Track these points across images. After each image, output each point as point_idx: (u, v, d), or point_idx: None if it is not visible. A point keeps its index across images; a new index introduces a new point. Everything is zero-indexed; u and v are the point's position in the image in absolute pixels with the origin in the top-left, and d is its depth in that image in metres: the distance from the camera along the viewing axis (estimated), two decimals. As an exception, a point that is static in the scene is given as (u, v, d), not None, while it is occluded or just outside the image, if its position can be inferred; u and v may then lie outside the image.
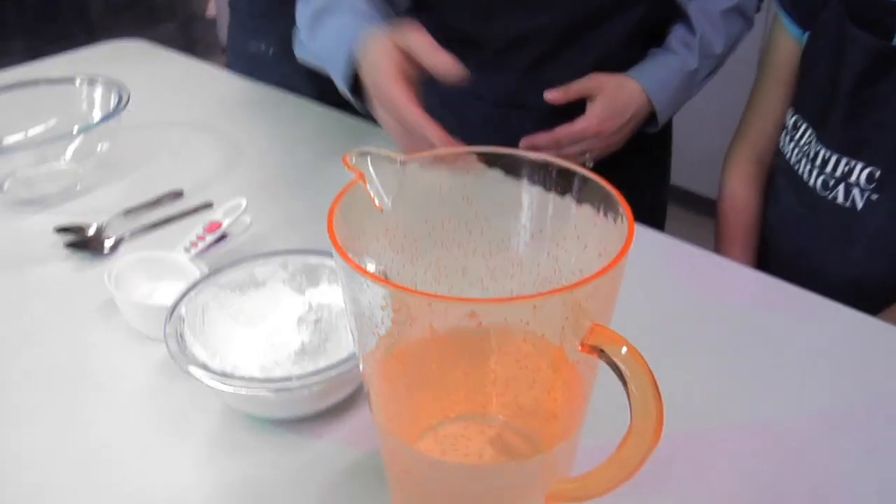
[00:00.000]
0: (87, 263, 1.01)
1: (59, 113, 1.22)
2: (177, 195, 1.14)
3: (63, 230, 1.05)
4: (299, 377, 0.69)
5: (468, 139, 1.36)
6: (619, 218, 0.52)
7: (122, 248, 1.03)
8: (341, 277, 0.50)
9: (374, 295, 0.47)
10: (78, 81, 1.21)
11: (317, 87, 1.47)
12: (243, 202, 0.96)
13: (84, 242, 1.02)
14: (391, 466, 0.61)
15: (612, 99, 1.17)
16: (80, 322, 0.91)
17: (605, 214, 0.54)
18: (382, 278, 0.47)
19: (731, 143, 1.31)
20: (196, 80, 1.57)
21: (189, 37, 4.67)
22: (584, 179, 0.56)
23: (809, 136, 1.12)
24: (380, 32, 0.89)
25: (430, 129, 0.83)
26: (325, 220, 0.51)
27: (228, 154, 1.27)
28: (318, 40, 1.03)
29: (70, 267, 1.00)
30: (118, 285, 0.87)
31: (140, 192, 1.15)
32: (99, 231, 1.05)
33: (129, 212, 1.10)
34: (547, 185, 0.59)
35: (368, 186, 0.58)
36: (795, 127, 1.15)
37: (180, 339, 0.74)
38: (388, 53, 0.86)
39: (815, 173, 1.11)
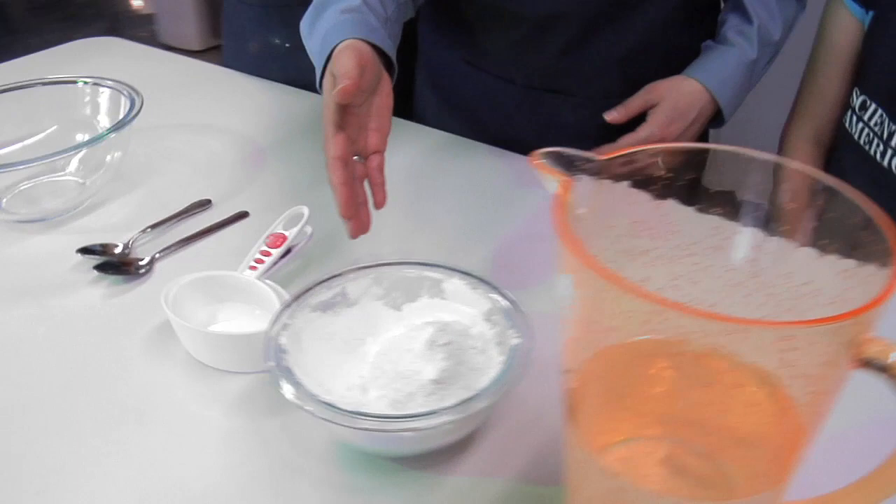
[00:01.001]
0: (120, 287, 0.89)
1: (59, 118, 1.09)
2: (204, 204, 1.02)
3: (86, 251, 0.92)
4: (449, 411, 0.59)
5: (499, 125, 1.28)
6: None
7: (156, 268, 0.91)
8: (577, 284, 0.43)
9: (626, 306, 0.40)
10: (81, 83, 1.07)
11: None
12: (305, 211, 0.85)
13: (115, 264, 0.90)
14: (580, 486, 0.52)
15: (674, 103, 1.10)
16: (130, 356, 0.80)
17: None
18: (646, 291, 0.38)
19: (788, 125, 1.25)
20: (193, 78, 1.44)
21: (122, 35, 4.45)
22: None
23: (881, 116, 1.06)
24: (347, 43, 0.84)
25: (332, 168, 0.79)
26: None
27: (250, 157, 1.16)
28: (314, 37, 0.94)
29: (102, 293, 0.88)
30: (176, 311, 0.76)
31: (158, 204, 1.04)
32: (126, 250, 0.93)
33: (155, 226, 0.97)
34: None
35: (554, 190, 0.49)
36: (864, 107, 1.09)
37: (289, 374, 0.63)
38: (327, 81, 0.84)
39: (889, 154, 1.05)
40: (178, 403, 0.74)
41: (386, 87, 0.86)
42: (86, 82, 1.07)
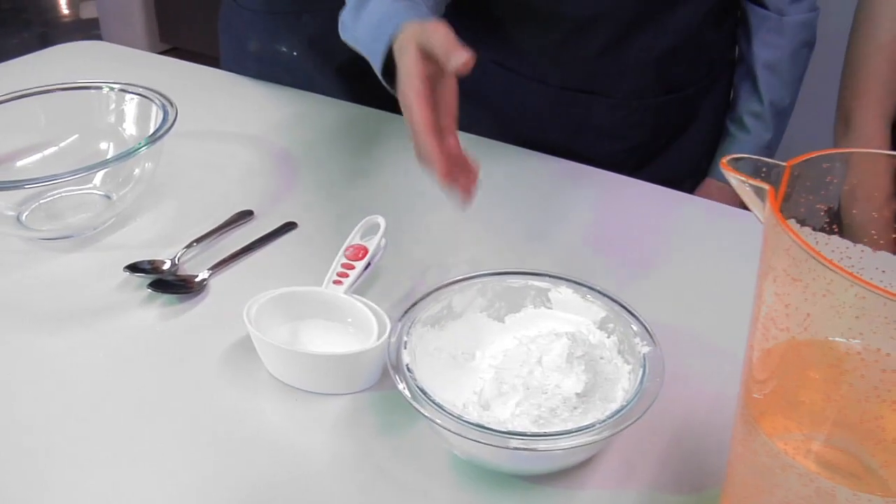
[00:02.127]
0: (176, 307, 0.83)
1: (81, 126, 1.02)
2: (246, 216, 0.97)
3: (134, 269, 0.86)
4: (605, 425, 0.58)
5: (528, 126, 1.25)
6: None
7: (210, 284, 0.86)
8: (780, 280, 0.43)
9: (842, 297, 0.40)
10: (106, 89, 1.01)
11: (349, 90, 1.31)
12: (381, 221, 0.81)
13: (171, 282, 0.84)
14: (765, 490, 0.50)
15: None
16: (208, 380, 0.74)
17: None
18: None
19: (855, 102, 1.22)
20: (197, 83, 1.37)
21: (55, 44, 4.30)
22: None
23: None
24: (412, 25, 0.80)
25: (435, 154, 0.72)
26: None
27: (283, 165, 1.10)
28: (360, 26, 0.91)
29: (157, 313, 0.83)
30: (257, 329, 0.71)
31: (194, 217, 0.98)
32: (174, 266, 0.87)
33: (200, 240, 0.92)
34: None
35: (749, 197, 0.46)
36: None
37: (423, 395, 0.59)
38: (412, 56, 0.76)
39: None
40: (275, 430, 0.69)
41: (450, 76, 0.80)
42: (111, 88, 1.00)
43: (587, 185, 1.05)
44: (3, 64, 1.44)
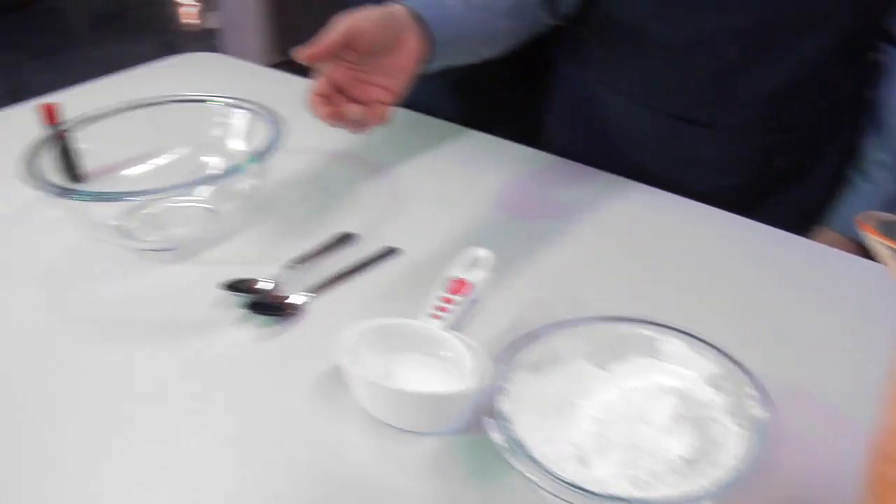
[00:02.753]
0: (271, 329, 0.82)
1: (190, 139, 1.02)
2: (348, 238, 0.95)
3: (232, 288, 0.85)
4: (714, 494, 0.53)
5: (630, 152, 1.20)
6: None
7: (308, 308, 0.84)
8: None
9: None
10: (216, 103, 1.00)
11: (464, 106, 1.28)
12: (486, 254, 0.78)
13: (268, 304, 0.83)
14: None
15: None
16: (295, 408, 0.73)
17: None
18: None
19: None
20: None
21: (183, 50, 4.43)
22: None
23: None
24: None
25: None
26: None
27: (388, 186, 1.09)
28: None
29: (251, 335, 0.81)
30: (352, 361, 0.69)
31: (296, 236, 0.97)
32: (273, 286, 0.85)
33: (301, 261, 0.90)
34: None
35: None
36: None
37: (520, 448, 0.55)
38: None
39: None
40: (361, 465, 0.67)
41: (406, 49, 0.90)
42: (222, 102, 1.00)
43: (695, 223, 1.00)
44: (126, 72, 1.46)
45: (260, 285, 0.86)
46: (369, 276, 0.89)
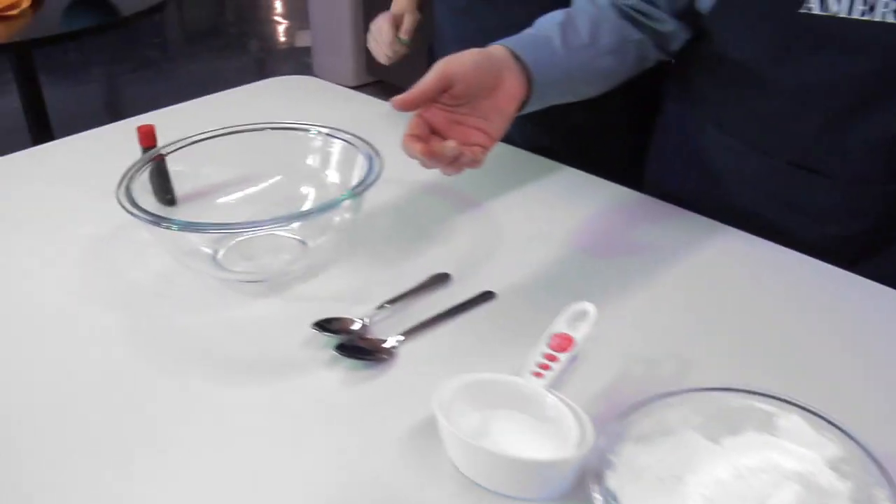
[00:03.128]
0: (361, 374, 0.79)
1: (284, 167, 1.00)
2: (443, 279, 0.92)
3: (322, 327, 0.82)
4: None
5: (738, 196, 1.14)
6: None
7: (400, 352, 0.81)
8: None
9: None
10: (314, 132, 0.98)
11: (558, 139, 1.25)
12: (590, 309, 0.74)
13: (359, 348, 0.80)
14: None
15: None
16: (384, 461, 0.69)
17: None
18: None
19: None
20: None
21: (274, 67, 4.50)
22: None
23: None
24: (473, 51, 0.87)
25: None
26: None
27: (485, 225, 1.05)
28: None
29: (341, 377, 0.79)
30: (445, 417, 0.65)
31: (389, 274, 0.95)
32: (364, 328, 0.83)
33: (393, 302, 0.87)
34: None
35: None
36: None
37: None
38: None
39: None
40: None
41: (505, 91, 0.88)
42: (319, 131, 0.98)
43: (812, 278, 0.94)
44: (220, 94, 1.46)
45: (351, 326, 0.83)
46: (464, 321, 0.86)
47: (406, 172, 0.97)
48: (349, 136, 0.97)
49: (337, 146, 0.98)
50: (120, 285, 0.93)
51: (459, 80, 0.83)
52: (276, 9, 5.80)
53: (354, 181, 0.92)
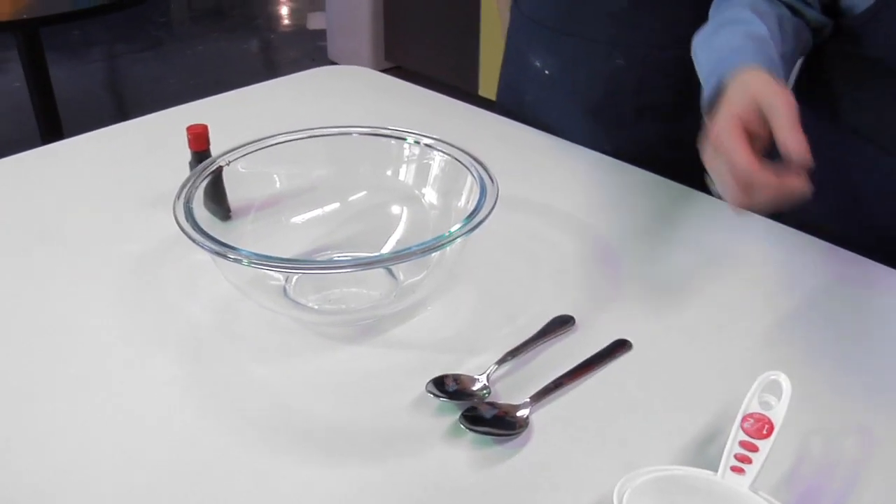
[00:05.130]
0: (490, 450, 0.63)
1: (369, 180, 0.85)
2: (566, 323, 0.76)
3: (440, 389, 0.66)
4: None
5: (885, 212, 0.99)
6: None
7: (532, 421, 0.65)
8: None
9: None
10: (411, 140, 0.82)
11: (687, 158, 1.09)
12: (783, 382, 0.58)
13: (486, 417, 0.64)
14: None
15: None
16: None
17: None
18: None
19: None
20: (479, 128, 1.18)
21: (284, 49, 4.33)
22: None
23: None
24: (756, 71, 0.78)
25: (760, 173, 0.69)
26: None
27: (603, 256, 0.90)
28: (707, 52, 0.88)
29: (466, 456, 0.65)
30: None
31: (500, 316, 0.79)
32: (486, 390, 0.67)
33: (514, 353, 0.71)
34: None
35: None
36: None
37: None
38: (744, 100, 0.75)
39: None
40: None
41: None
42: (417, 141, 0.82)
43: None
44: (268, 83, 1.32)
45: (472, 386, 0.68)
46: (601, 378, 0.71)
47: (512, 188, 0.80)
48: (455, 149, 0.81)
49: (438, 160, 0.82)
50: (173, 320, 0.77)
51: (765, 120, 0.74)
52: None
53: (461, 204, 0.76)
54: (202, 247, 0.68)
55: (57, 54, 2.41)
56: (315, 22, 4.54)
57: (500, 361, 0.71)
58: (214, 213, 0.81)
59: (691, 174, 1.01)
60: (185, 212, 0.72)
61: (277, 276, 0.79)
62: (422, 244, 0.68)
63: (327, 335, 0.76)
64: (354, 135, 0.84)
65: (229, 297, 0.79)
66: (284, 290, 0.79)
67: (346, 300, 0.80)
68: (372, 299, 0.79)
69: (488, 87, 3.09)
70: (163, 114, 1.18)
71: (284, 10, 5.24)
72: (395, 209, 0.84)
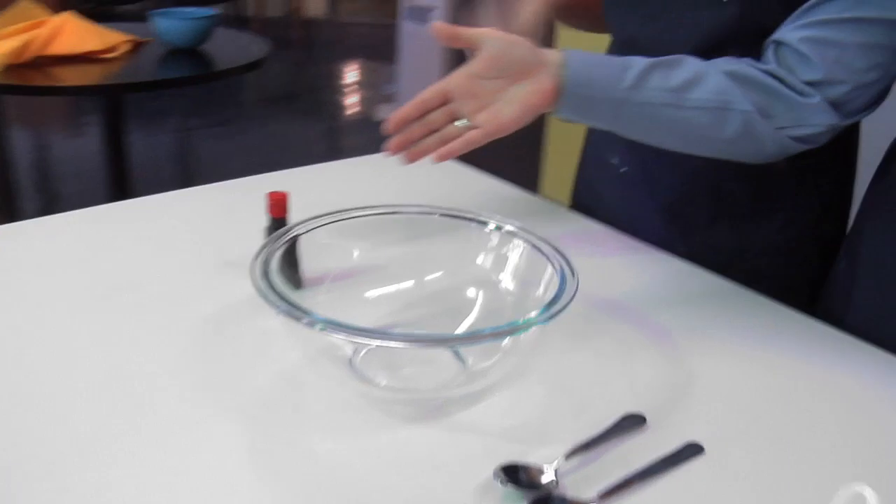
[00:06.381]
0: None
1: (446, 260, 0.84)
2: (636, 422, 0.74)
3: (508, 473, 0.64)
4: None
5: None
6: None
7: (600, 520, 0.63)
8: None
9: None
10: (492, 225, 0.82)
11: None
12: (868, 495, 0.55)
13: None
14: None
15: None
16: None
17: None
18: None
19: None
20: (567, 228, 1.17)
21: (342, 138, 4.41)
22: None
23: None
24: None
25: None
26: None
27: (666, 351, 0.88)
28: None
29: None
30: None
31: (567, 406, 0.78)
32: (554, 481, 0.65)
33: (584, 448, 0.69)
34: None
35: None
36: None
37: None
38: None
39: None
40: None
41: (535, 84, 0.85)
42: (499, 227, 0.82)
43: None
44: (347, 161, 1.34)
45: (540, 478, 0.66)
46: (672, 482, 0.69)
47: (582, 283, 0.80)
48: (537, 238, 0.80)
49: (518, 248, 0.81)
50: (238, 387, 0.77)
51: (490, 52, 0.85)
52: (357, 78, 5.76)
53: (539, 294, 0.75)
54: (276, 308, 0.68)
55: (131, 123, 2.49)
56: (383, 112, 4.63)
57: (569, 455, 0.69)
58: (288, 280, 0.81)
59: (769, 283, 1.00)
60: (262, 273, 0.72)
61: (346, 349, 0.78)
62: (497, 327, 0.68)
63: (392, 413, 0.75)
64: (436, 216, 0.84)
65: (296, 368, 0.78)
66: (351, 362, 0.79)
67: (414, 379, 0.79)
68: (440, 380, 0.78)
69: (551, 192, 3.11)
70: (241, 181, 1.20)
71: (354, 99, 5.35)
72: (471, 292, 0.84)
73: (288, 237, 0.80)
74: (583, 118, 0.90)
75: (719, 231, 1.11)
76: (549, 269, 0.77)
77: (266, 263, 0.76)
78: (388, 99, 4.36)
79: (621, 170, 1.18)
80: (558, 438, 0.72)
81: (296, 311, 0.68)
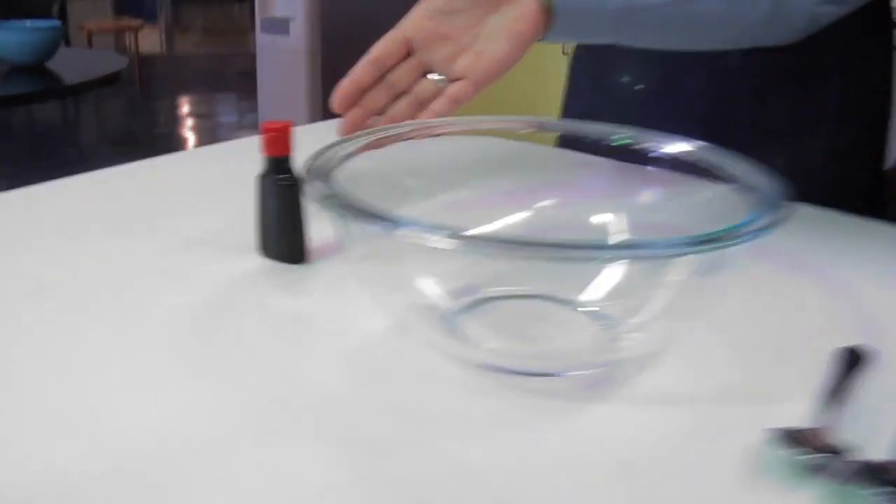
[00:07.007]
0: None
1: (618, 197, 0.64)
2: (856, 358, 0.57)
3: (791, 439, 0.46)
4: None
5: None
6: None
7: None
8: None
9: None
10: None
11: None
12: None
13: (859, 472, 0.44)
14: None
15: None
16: None
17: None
18: None
19: None
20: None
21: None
22: None
23: None
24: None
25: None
26: None
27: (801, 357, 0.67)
28: None
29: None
30: None
31: (768, 358, 0.59)
32: (836, 440, 0.47)
33: (831, 397, 0.51)
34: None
35: None
36: None
37: None
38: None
39: None
40: None
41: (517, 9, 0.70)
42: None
43: None
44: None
45: (821, 439, 0.47)
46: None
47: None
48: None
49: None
50: (307, 366, 0.55)
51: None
52: (197, 115, 5.54)
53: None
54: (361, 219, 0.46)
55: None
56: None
57: (822, 408, 0.51)
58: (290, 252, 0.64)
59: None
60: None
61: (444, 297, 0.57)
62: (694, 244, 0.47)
63: (526, 387, 0.54)
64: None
65: (377, 332, 0.57)
66: (452, 319, 0.57)
67: (544, 345, 0.58)
68: (578, 349, 0.58)
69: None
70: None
71: (195, 137, 5.13)
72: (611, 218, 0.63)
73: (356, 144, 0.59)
74: (580, 36, 0.80)
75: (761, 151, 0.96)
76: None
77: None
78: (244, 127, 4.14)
79: (636, 87, 1.01)
80: (782, 393, 0.53)
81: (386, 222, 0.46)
